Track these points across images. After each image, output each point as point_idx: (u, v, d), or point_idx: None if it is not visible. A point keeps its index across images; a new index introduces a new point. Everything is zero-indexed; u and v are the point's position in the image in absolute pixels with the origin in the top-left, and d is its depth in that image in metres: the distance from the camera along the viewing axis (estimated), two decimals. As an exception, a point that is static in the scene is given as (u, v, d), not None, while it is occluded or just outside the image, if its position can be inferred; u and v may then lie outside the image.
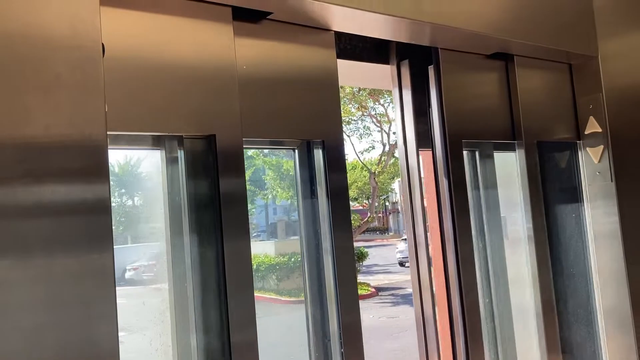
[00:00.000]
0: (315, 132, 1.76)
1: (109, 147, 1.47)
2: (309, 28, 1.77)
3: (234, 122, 1.56)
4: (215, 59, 1.55)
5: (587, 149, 2.44)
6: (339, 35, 1.92)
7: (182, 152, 1.56)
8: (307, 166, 1.80)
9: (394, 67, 2.08)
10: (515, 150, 2.27)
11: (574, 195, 2.46)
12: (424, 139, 2.09)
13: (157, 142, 1.56)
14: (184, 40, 1.51)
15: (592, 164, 2.41)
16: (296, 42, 1.75)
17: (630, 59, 2.51)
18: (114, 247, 1.25)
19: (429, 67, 2.10)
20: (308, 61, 1.77)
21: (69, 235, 1.17)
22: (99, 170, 1.23)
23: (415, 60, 2.10)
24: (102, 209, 1.22)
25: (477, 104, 2.18)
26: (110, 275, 1.20)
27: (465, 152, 2.15)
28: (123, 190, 1.82)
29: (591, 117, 2.41)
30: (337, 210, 1.75)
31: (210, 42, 1.55)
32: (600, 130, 2.38)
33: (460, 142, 2.06)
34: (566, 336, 2.33)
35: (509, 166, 2.29)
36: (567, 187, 2.47)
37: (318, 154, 1.79)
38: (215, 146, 1.52)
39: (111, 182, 1.26)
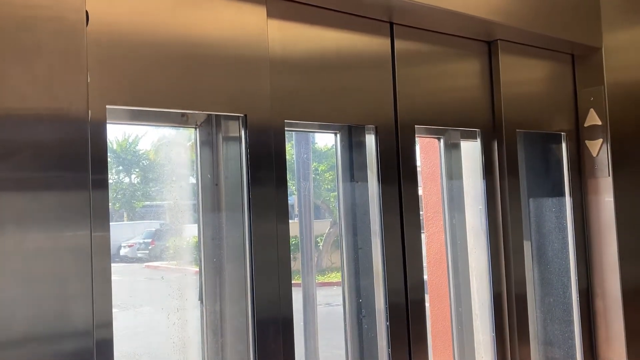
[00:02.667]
0: (368, 117, 1.81)
1: (137, 122, 1.51)
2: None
3: (265, 102, 1.56)
4: (247, 38, 1.55)
5: (586, 141, 2.40)
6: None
7: (215, 130, 1.57)
8: (350, 149, 1.87)
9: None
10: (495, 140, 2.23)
11: (558, 188, 2.44)
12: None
13: (189, 120, 1.56)
14: (216, 19, 1.50)
15: (590, 156, 2.38)
16: (345, 28, 1.78)
17: (635, 53, 2.47)
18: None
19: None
20: (356, 45, 1.81)
21: (44, 210, 1.15)
22: (79, 145, 1.19)
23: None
24: (80, 186, 1.18)
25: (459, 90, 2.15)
26: (86, 253, 1.18)
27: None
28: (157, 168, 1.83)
29: (591, 110, 2.39)
30: (388, 196, 1.84)
31: (242, 22, 1.54)
32: (600, 123, 2.36)
33: (413, 128, 2.00)
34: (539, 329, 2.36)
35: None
36: (550, 179, 2.45)
37: (370, 139, 1.85)
38: (246, 126, 1.53)
39: (146, 159, 1.25)
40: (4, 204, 1.11)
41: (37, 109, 1.15)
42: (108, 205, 1.28)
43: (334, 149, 1.97)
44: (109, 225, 1.27)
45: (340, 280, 2.01)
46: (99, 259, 1.23)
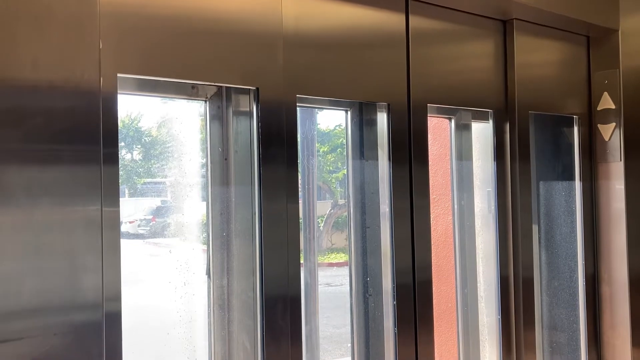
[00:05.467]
0: (380, 94, 1.78)
1: (147, 93, 1.48)
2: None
3: (278, 76, 1.54)
4: (261, 12, 1.52)
5: (598, 125, 2.37)
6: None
7: (225, 104, 1.55)
8: (360, 127, 1.85)
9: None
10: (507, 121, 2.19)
11: (568, 172, 2.42)
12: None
13: (199, 93, 1.54)
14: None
15: (602, 141, 2.36)
16: (360, 3, 1.74)
17: (653, 38, 2.43)
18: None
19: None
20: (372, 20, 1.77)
21: (54, 182, 1.14)
22: (90, 114, 1.16)
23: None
24: (91, 157, 1.16)
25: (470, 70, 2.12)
26: (97, 227, 1.16)
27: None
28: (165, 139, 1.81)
29: (605, 93, 2.36)
30: (398, 175, 1.82)
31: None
32: (613, 106, 2.33)
33: (425, 106, 1.96)
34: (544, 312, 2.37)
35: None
36: (560, 162, 2.43)
37: (382, 117, 1.81)
38: (257, 100, 1.50)
39: (152, 132, 1.23)
40: (15, 174, 1.09)
41: (49, 75, 1.12)
42: (118, 180, 1.26)
43: (342, 128, 1.94)
44: (118, 200, 1.25)
45: (341, 261, 2.00)
46: (108, 234, 1.21)
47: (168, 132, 1.80)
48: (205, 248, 1.58)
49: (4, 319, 1.08)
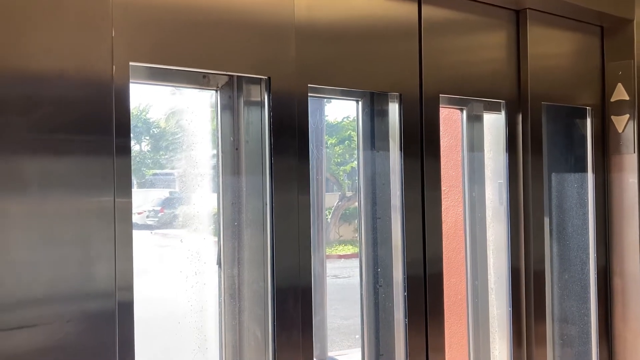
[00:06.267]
0: (392, 84, 1.76)
1: (159, 82, 1.46)
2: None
3: (290, 66, 1.53)
4: (273, 1, 1.51)
5: (612, 117, 2.35)
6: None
7: (237, 93, 1.54)
8: (371, 118, 1.83)
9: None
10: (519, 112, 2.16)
11: (580, 163, 2.41)
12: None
13: (210, 82, 1.53)
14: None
15: (616, 132, 2.33)
16: None
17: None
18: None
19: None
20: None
21: (67, 172, 1.15)
22: (103, 104, 1.16)
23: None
24: (104, 148, 1.17)
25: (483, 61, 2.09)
26: (109, 218, 1.16)
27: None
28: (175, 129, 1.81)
29: (619, 84, 2.33)
30: (410, 166, 1.80)
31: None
32: (627, 98, 2.31)
33: (438, 97, 1.93)
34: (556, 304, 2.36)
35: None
36: (572, 154, 2.40)
37: (393, 108, 1.80)
38: (269, 89, 1.49)
39: (163, 123, 1.23)
40: (28, 163, 1.09)
41: (62, 64, 1.12)
42: (130, 170, 1.26)
43: (350, 120, 1.93)
44: (131, 190, 1.26)
45: (349, 253, 1.99)
46: (121, 224, 1.22)
47: (178, 122, 1.80)
48: (216, 238, 1.58)
49: (18, 307, 1.09)
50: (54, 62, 1.12)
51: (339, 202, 4.65)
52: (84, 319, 1.16)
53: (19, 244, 1.10)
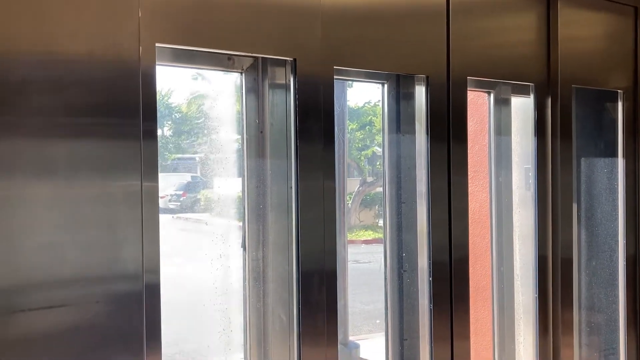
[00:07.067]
0: (419, 66, 1.74)
1: (185, 65, 1.45)
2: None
3: (316, 47, 1.51)
4: None
5: (645, 100, 2.28)
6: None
7: (262, 75, 1.53)
8: (397, 101, 1.80)
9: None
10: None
11: (610, 148, 2.36)
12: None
13: (235, 64, 1.52)
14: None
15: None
16: None
17: None
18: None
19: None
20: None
21: (94, 155, 1.15)
22: (130, 86, 1.16)
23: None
24: (131, 130, 1.17)
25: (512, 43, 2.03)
26: (137, 201, 1.17)
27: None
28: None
29: (653, 66, 2.24)
30: (436, 150, 1.77)
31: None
32: (661, 80, 2.22)
33: (465, 79, 1.89)
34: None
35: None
36: (602, 139, 2.35)
37: (420, 90, 1.77)
38: (295, 71, 1.47)
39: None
40: (56, 146, 1.11)
41: (88, 46, 1.12)
42: (157, 154, 1.26)
43: (372, 105, 1.91)
44: (157, 174, 1.26)
45: (369, 238, 1.98)
46: (148, 207, 1.23)
47: (200, 107, 1.79)
48: (240, 222, 1.58)
49: (48, 287, 1.11)
50: (82, 44, 1.12)
51: (359, 187, 4.63)
52: (112, 300, 1.17)
53: (48, 226, 1.11)
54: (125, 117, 1.19)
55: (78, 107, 1.13)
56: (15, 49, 1.06)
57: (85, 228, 1.14)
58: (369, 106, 4.38)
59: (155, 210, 1.24)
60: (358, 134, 4.53)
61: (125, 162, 1.19)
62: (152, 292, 1.24)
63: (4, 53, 1.05)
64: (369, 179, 4.92)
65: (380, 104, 1.87)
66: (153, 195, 1.24)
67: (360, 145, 4.56)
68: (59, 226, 1.12)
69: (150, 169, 1.23)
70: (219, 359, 1.60)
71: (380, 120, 1.87)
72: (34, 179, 1.09)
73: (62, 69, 1.11)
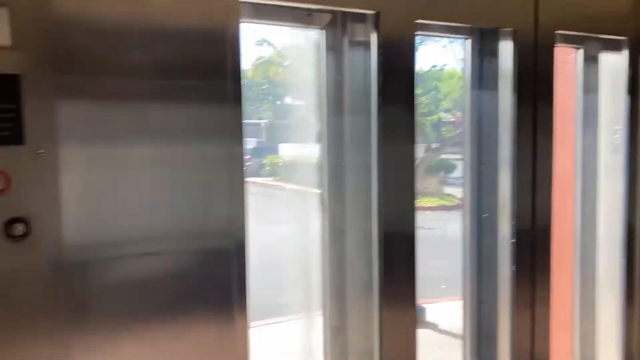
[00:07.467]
0: (506, 19, 1.67)
1: (266, 21, 1.44)
2: None
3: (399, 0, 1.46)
4: None
5: None
6: None
7: (342, 31, 1.49)
8: (480, 57, 1.74)
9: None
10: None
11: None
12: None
13: (315, 20, 1.49)
14: None
15: None
16: None
17: None
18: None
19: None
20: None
21: (190, 119, 1.19)
22: (229, 59, 1.18)
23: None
24: (223, 94, 1.21)
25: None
26: (227, 163, 1.24)
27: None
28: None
29: None
30: (522, 108, 1.70)
31: None
32: None
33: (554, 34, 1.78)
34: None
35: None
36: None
37: (504, 46, 1.70)
38: (377, 26, 1.44)
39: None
40: (156, 110, 1.16)
41: (186, 18, 1.12)
42: (242, 117, 1.27)
43: (440, 68, 1.82)
44: (242, 138, 1.27)
45: (434, 205, 1.91)
46: (236, 170, 1.27)
47: (263, 74, 1.77)
48: (314, 185, 1.58)
49: (144, 240, 1.17)
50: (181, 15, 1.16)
51: (424, 153, 4.55)
52: (204, 253, 1.22)
53: (148, 187, 1.17)
54: (212, 79, 1.22)
55: (173, 69, 1.17)
56: (122, 19, 1.12)
57: (180, 189, 1.21)
58: (434, 70, 4.25)
59: (241, 173, 1.28)
60: (423, 99, 4.41)
61: (215, 125, 1.23)
62: (240, 249, 1.28)
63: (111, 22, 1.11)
64: (434, 146, 4.81)
65: (450, 66, 1.80)
66: (239, 158, 1.27)
67: (425, 111, 4.45)
68: (158, 186, 1.19)
69: (236, 133, 1.26)
70: (298, 315, 1.63)
71: (449, 84, 1.79)
72: (138, 142, 1.16)
73: (157, 28, 1.15)
